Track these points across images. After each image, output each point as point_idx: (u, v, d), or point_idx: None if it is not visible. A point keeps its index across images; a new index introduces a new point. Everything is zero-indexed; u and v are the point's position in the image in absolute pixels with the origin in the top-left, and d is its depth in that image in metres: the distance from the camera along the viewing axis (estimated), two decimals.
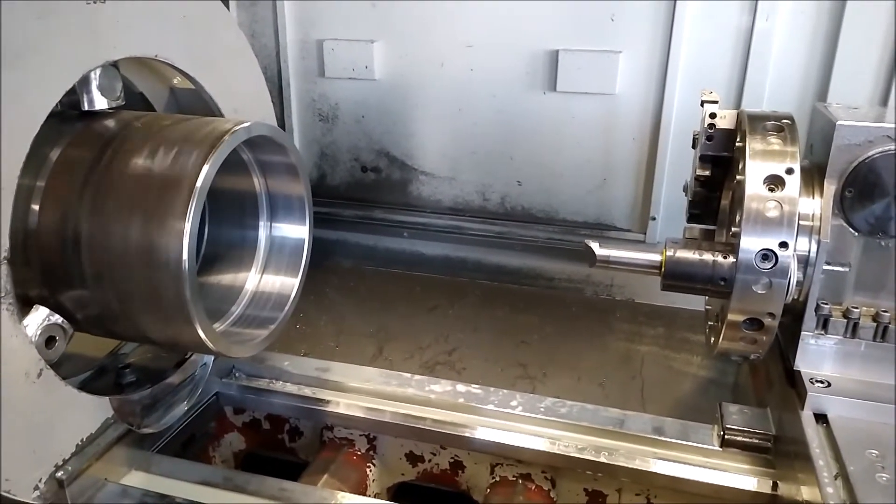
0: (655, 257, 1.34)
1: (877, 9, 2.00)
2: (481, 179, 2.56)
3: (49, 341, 1.25)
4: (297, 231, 1.55)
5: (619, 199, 2.44)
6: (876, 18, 2.01)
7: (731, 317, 1.28)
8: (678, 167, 2.28)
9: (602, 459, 1.48)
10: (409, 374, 1.68)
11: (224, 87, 1.56)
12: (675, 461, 1.47)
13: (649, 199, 2.37)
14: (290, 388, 1.65)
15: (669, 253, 1.32)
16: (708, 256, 1.29)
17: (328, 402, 1.62)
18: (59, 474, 1.24)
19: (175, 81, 1.64)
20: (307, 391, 1.64)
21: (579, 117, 2.37)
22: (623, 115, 2.33)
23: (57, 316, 1.26)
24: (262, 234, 1.55)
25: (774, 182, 1.24)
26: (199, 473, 1.39)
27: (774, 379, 1.46)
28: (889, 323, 1.31)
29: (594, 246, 1.37)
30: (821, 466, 1.17)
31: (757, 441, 1.45)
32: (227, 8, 1.58)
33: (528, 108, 2.42)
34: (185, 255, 1.16)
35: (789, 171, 1.24)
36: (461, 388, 1.64)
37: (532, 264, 2.56)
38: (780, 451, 1.40)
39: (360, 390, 1.64)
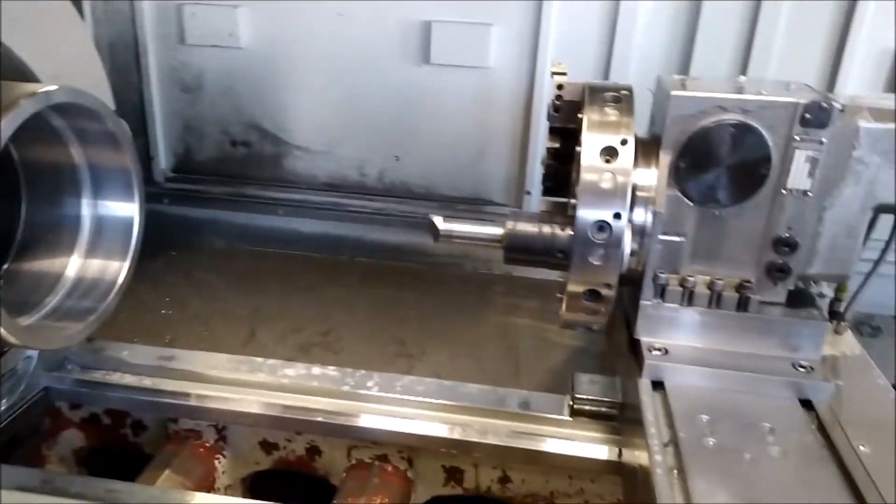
0: (497, 231, 1.31)
1: None
2: (359, 154, 2.48)
3: None
4: (126, 209, 1.43)
5: (495, 174, 2.42)
6: None
7: (570, 288, 1.27)
8: None
9: (455, 436, 1.46)
10: (260, 359, 1.60)
11: (40, 49, 1.40)
12: (527, 433, 1.47)
13: (524, 173, 2.36)
14: (129, 379, 1.54)
15: (509, 226, 1.29)
16: (547, 229, 1.28)
17: (170, 392, 1.52)
18: None
19: None
20: (147, 382, 1.53)
21: (454, 91, 2.33)
22: (497, 89, 2.31)
23: None
24: (86, 212, 1.42)
25: (609, 153, 1.23)
26: (13, 478, 1.27)
27: (622, 348, 1.48)
28: (723, 290, 1.34)
29: (437, 220, 1.33)
30: (652, 434, 1.19)
31: (605, 409, 1.47)
32: None
33: (403, 81, 2.35)
34: None
35: (623, 143, 1.23)
36: (316, 370, 1.58)
37: (412, 240, 2.50)
38: (625, 419, 1.43)
39: (206, 378, 1.55)
